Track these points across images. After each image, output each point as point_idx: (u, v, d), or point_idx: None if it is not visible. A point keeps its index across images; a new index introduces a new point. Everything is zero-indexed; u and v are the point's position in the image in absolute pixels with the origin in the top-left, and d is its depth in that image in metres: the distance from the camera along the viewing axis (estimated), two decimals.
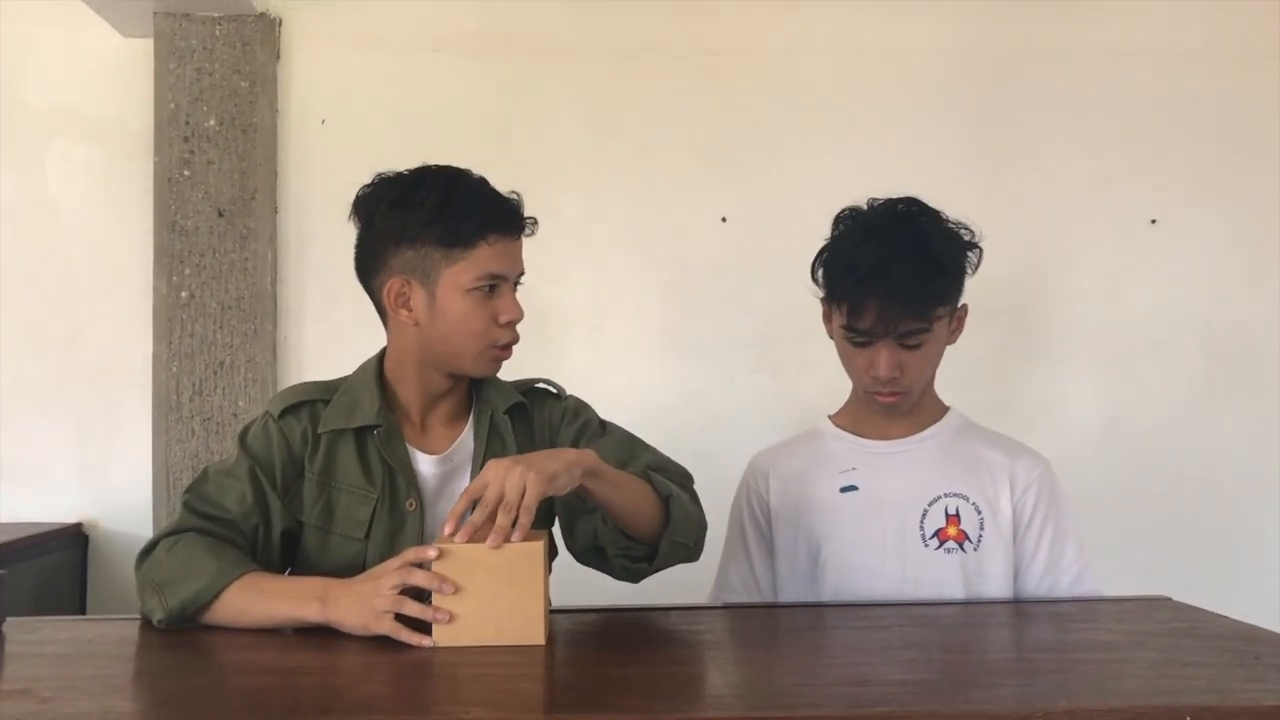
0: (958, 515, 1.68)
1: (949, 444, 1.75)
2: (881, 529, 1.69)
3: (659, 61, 2.94)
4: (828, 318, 1.73)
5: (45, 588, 2.70)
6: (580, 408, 1.66)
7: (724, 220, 2.93)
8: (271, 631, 1.37)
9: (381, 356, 1.62)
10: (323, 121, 2.90)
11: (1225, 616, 1.48)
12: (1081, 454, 2.95)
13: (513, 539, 1.28)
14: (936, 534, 1.68)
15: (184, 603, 1.38)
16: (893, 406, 1.70)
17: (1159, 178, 2.99)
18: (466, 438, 1.60)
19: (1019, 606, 1.63)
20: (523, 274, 1.58)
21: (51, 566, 2.72)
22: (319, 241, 2.87)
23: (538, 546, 1.30)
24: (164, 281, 2.79)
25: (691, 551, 1.51)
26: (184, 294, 2.79)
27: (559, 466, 1.32)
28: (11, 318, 2.88)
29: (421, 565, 1.31)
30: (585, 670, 1.27)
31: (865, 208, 1.71)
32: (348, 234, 2.82)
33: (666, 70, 2.94)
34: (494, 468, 1.31)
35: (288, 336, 2.89)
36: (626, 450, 1.57)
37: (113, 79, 2.89)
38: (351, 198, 1.68)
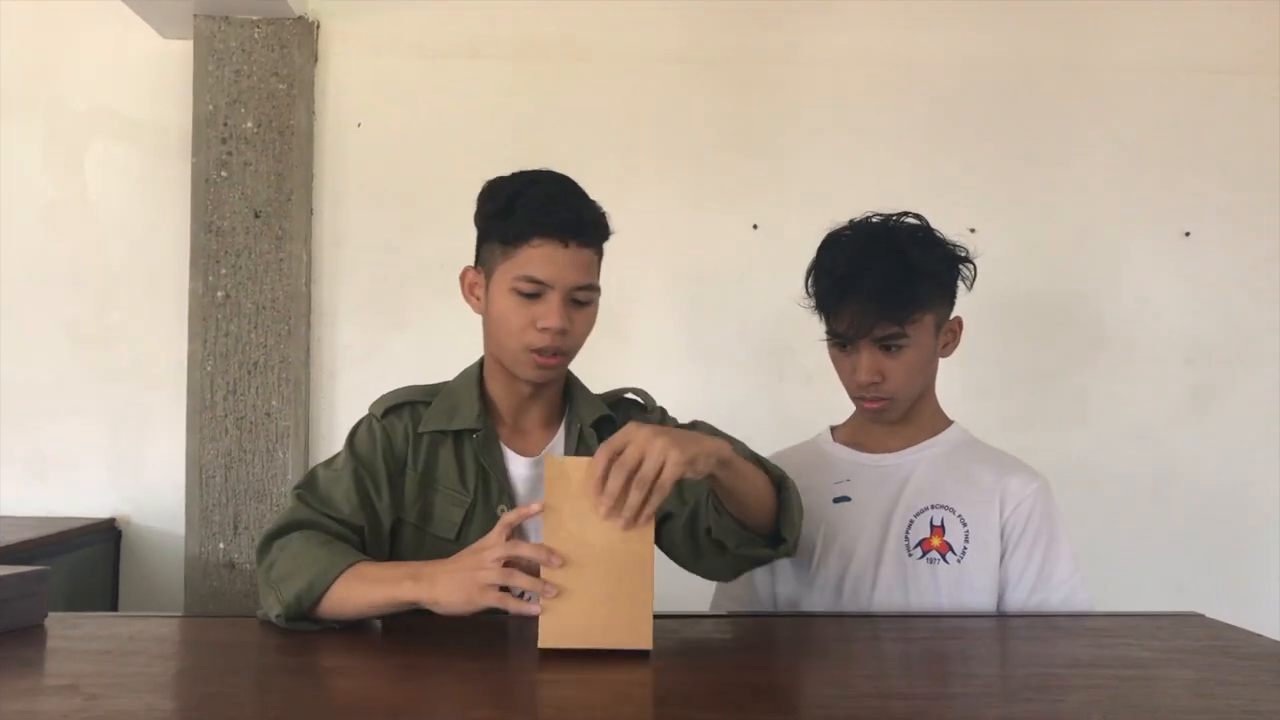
0: (942, 526, 1.69)
1: (944, 457, 1.75)
2: (868, 538, 1.70)
3: (691, 69, 2.96)
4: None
5: (78, 582, 2.74)
6: (665, 418, 1.65)
7: (755, 227, 2.94)
8: (313, 633, 1.38)
9: (483, 362, 1.65)
10: (359, 124, 2.92)
11: (1261, 635, 1.47)
12: (1112, 466, 2.94)
13: (639, 520, 1.24)
14: (920, 544, 1.69)
15: (299, 595, 1.38)
16: (879, 413, 1.72)
17: (1192, 190, 2.97)
18: (558, 443, 1.63)
19: (1050, 620, 1.62)
20: (584, 288, 1.53)
21: (84, 561, 2.76)
22: (353, 243, 2.90)
23: (648, 543, 1.24)
24: (200, 281, 2.82)
25: (797, 542, 1.49)
26: (219, 294, 2.82)
27: (699, 451, 1.28)
28: (49, 316, 2.92)
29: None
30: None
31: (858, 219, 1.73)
32: (381, 235, 2.88)
33: (698, 78, 2.95)
34: (637, 431, 1.25)
35: (321, 337, 2.91)
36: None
37: (152, 81, 2.93)
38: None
